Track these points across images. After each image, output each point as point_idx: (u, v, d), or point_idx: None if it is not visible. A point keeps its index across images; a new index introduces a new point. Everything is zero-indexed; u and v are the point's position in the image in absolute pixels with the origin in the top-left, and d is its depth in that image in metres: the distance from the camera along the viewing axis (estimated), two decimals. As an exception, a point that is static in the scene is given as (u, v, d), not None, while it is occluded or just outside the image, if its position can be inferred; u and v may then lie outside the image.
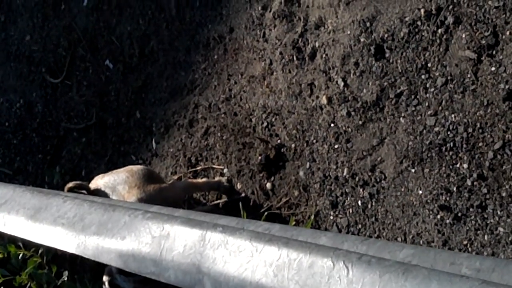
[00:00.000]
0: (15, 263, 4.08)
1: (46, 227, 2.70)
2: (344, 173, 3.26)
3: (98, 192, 3.58)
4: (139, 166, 3.63)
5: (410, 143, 3.03)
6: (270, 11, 3.65)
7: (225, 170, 3.81)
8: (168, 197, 3.39)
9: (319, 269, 1.70)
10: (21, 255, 4.06)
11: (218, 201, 3.78)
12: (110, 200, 2.79)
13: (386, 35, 3.17)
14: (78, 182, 3.70)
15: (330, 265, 1.68)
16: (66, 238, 2.59)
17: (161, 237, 2.22)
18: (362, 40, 3.26)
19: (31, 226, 2.79)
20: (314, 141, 3.40)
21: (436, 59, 3.00)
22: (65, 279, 4.03)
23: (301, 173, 3.45)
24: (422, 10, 3.04)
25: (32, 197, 2.92)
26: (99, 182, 3.61)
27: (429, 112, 2.99)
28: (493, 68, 2.81)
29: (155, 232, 2.25)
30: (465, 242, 2.84)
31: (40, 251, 4.07)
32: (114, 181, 3.51)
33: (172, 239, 2.18)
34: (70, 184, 3.62)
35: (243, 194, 3.68)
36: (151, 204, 3.02)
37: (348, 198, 3.24)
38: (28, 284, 4.03)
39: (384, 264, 1.59)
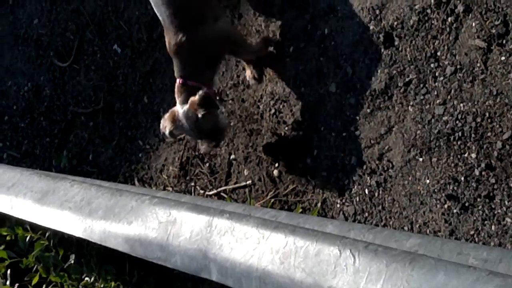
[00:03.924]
0: (22, 245, 4.09)
1: (53, 210, 2.71)
2: (352, 161, 3.26)
3: None
4: None
5: (418, 132, 3.02)
6: (279, -3, 3.64)
7: (232, 156, 3.81)
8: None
9: (325, 257, 1.71)
10: (28, 238, 4.06)
11: (225, 187, 3.78)
12: (117, 185, 2.80)
13: (395, 23, 3.15)
14: None
15: (337, 253, 1.68)
16: (73, 222, 2.60)
17: (168, 223, 2.23)
18: (371, 27, 3.24)
19: (38, 209, 2.81)
20: (322, 128, 3.39)
21: (446, 47, 2.98)
22: (72, 262, 4.04)
23: (308, 161, 3.44)
24: (433, -2, 3.02)
25: (39, 180, 2.94)
26: None
27: (437, 101, 2.98)
28: (503, 58, 2.80)
29: (162, 217, 2.26)
30: (472, 232, 2.83)
31: (47, 234, 4.08)
32: None
33: (179, 224, 2.19)
34: None
35: (249, 181, 3.68)
36: None
37: (355, 186, 3.24)
38: (35, 267, 4.04)
39: (391, 253, 1.59)
